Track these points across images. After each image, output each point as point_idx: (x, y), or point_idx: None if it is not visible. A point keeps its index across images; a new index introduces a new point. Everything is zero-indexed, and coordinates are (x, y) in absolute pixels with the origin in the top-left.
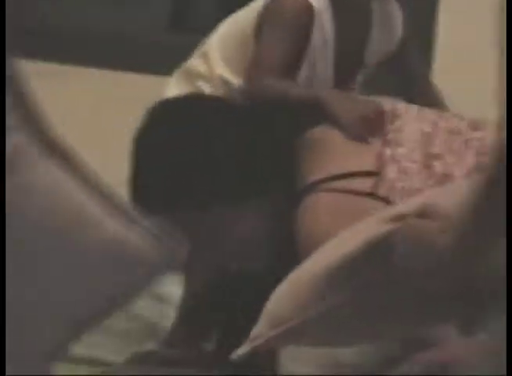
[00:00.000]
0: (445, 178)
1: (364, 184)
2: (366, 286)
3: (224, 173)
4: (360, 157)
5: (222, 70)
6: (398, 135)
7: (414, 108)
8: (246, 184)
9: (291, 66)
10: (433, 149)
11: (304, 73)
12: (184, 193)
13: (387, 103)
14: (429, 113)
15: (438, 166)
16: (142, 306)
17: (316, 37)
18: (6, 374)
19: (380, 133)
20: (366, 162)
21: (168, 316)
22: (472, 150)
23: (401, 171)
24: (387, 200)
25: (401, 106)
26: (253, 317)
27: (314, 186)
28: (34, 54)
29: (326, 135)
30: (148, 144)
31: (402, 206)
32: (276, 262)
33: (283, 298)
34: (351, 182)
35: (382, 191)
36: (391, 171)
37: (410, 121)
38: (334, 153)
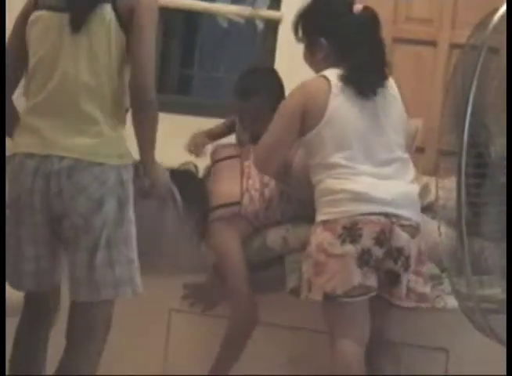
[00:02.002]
0: (269, 202)
1: (234, 210)
2: None
3: None
4: (232, 190)
5: None
6: (249, 170)
7: None
8: None
9: None
10: (264, 179)
11: None
12: None
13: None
14: None
15: (266, 192)
16: None
17: None
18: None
19: (240, 168)
20: (235, 193)
21: None
22: None
23: (250, 198)
24: (248, 219)
25: (252, 148)
26: None
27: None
28: None
29: (212, 180)
30: None
31: None
32: None
33: None
34: (226, 210)
35: (243, 213)
36: (245, 199)
37: None
38: (215, 191)
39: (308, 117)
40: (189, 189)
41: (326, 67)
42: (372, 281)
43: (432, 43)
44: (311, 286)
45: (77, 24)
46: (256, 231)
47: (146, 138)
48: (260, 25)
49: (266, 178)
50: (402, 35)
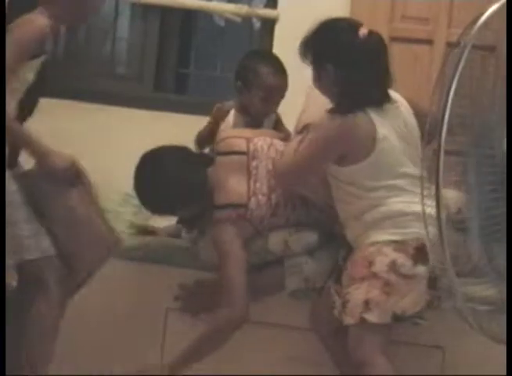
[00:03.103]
0: (276, 208)
1: (240, 212)
2: None
3: None
4: (239, 190)
5: None
6: (256, 172)
7: (266, 143)
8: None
9: None
10: (272, 182)
11: None
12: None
13: (250, 144)
14: (274, 145)
15: (273, 197)
16: None
17: None
18: (6, 373)
19: (247, 169)
20: (242, 194)
21: None
22: None
23: (257, 203)
24: (252, 223)
25: (259, 145)
26: None
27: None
28: None
29: (215, 173)
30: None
31: None
32: None
33: None
34: (233, 211)
35: (248, 217)
36: (252, 203)
37: (262, 160)
38: (221, 187)
39: (353, 154)
40: (182, 171)
41: (334, 92)
42: None
43: (428, 42)
44: (373, 307)
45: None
46: (257, 233)
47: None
48: (256, 24)
49: (274, 182)
50: (398, 34)
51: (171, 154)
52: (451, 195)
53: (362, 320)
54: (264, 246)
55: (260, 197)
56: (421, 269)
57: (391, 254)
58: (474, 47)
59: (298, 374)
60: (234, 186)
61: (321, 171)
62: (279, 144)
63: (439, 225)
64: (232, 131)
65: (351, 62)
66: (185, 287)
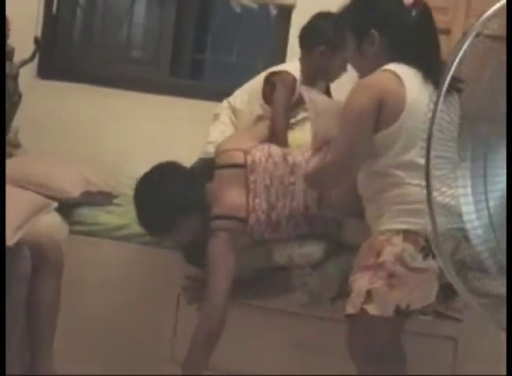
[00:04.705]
0: (277, 225)
1: (239, 226)
2: None
3: None
4: (238, 203)
5: None
6: (254, 186)
7: (264, 155)
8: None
9: None
10: (271, 199)
11: None
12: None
13: (248, 156)
14: (273, 157)
15: (273, 215)
16: None
17: None
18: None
19: (245, 183)
20: (241, 208)
21: None
22: (289, 196)
23: (257, 219)
24: (252, 236)
25: (257, 157)
26: None
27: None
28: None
29: (214, 187)
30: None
31: None
32: None
33: None
34: (231, 222)
35: (248, 232)
36: (251, 219)
37: (260, 173)
38: (219, 200)
39: (385, 114)
40: (175, 185)
41: (379, 64)
42: None
43: (446, 31)
44: (375, 298)
45: None
46: (258, 243)
47: None
48: (273, 11)
49: (273, 199)
50: None
51: (170, 172)
52: None
53: (363, 311)
54: (267, 256)
55: (259, 213)
56: (432, 263)
57: (400, 244)
58: (483, 36)
59: (305, 362)
60: (232, 198)
61: (370, 141)
62: (277, 155)
63: (431, 216)
64: (231, 141)
65: (397, 29)
66: (190, 278)
